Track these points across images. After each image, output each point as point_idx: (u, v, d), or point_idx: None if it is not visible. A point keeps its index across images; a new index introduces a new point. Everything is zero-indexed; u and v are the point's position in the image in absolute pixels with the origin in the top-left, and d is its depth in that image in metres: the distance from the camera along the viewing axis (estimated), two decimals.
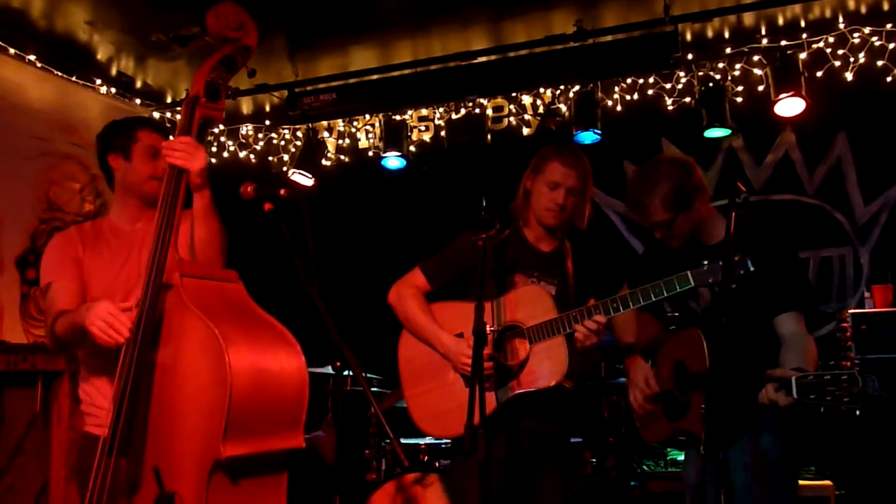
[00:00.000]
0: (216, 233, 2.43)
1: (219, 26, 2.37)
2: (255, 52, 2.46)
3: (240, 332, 2.10)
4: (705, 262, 2.47)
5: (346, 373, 4.22)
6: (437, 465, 4.20)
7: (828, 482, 4.30)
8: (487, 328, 2.55)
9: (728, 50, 5.14)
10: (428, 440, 4.22)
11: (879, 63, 4.87)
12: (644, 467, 4.98)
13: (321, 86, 5.49)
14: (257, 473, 2.11)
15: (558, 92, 5.58)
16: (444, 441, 4.13)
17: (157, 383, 2.09)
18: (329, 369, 4.26)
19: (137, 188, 2.62)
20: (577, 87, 5.33)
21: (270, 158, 6.26)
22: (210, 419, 1.98)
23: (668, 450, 4.92)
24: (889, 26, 4.80)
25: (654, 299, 2.59)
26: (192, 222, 2.42)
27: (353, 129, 6.17)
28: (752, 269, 2.36)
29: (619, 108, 5.44)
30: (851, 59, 4.89)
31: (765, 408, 2.41)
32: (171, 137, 2.43)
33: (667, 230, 2.78)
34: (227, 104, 2.52)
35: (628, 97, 5.42)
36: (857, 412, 2.16)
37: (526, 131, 5.72)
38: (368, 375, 4.77)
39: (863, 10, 4.85)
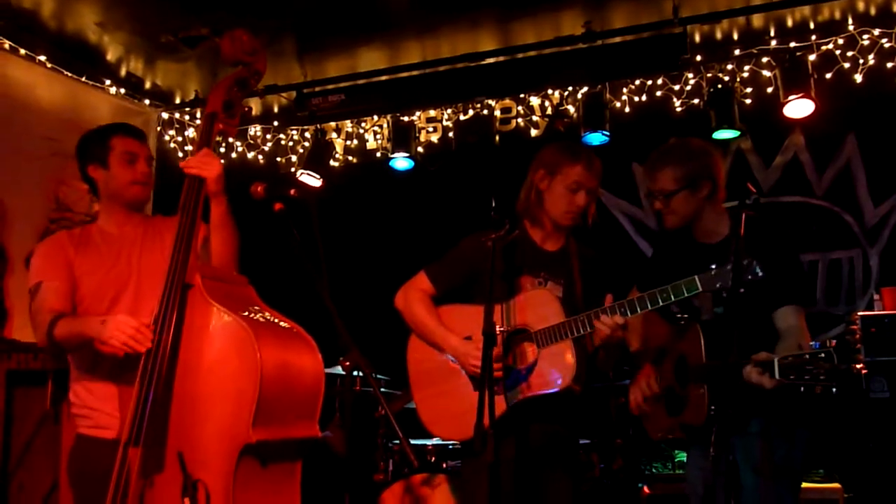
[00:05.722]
0: (231, 240, 2.51)
1: (234, 50, 2.50)
2: (263, 76, 2.59)
3: (262, 326, 2.24)
4: (713, 267, 2.48)
5: (354, 373, 4.22)
6: (444, 465, 4.20)
7: (836, 485, 4.29)
8: (497, 329, 2.55)
9: (737, 52, 5.13)
10: (435, 441, 4.22)
11: (889, 65, 4.86)
12: (652, 469, 4.97)
13: (329, 87, 5.49)
14: (279, 459, 2.24)
15: (567, 93, 5.58)
16: (452, 442, 4.13)
17: (178, 376, 2.19)
18: (338, 369, 4.26)
19: (120, 194, 2.68)
20: (585, 89, 5.33)
21: (278, 159, 6.27)
22: (238, 406, 2.10)
23: (676, 452, 4.91)
24: None
25: (661, 304, 2.60)
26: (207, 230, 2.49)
27: (361, 130, 6.18)
28: (760, 274, 2.37)
29: (627, 109, 5.43)
30: (861, 61, 4.88)
31: (769, 404, 2.41)
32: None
33: (665, 202, 2.80)
34: None
35: (637, 99, 5.42)
36: (834, 390, 2.15)
37: (534, 132, 5.72)
38: (378, 376, 4.76)
39: (872, 11, 4.84)
